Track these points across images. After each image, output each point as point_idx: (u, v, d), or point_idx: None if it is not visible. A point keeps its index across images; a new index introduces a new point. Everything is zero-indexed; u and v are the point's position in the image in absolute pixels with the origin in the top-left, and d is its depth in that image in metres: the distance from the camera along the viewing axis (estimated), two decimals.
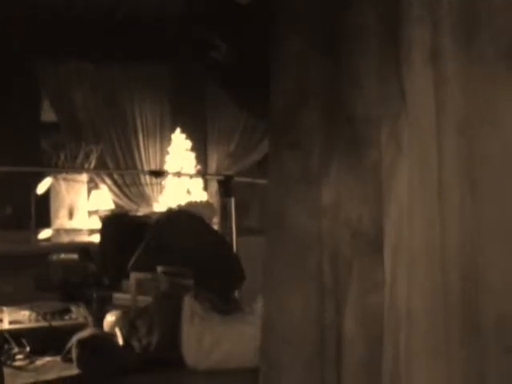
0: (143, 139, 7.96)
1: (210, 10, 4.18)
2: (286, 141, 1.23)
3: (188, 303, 2.44)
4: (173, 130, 7.85)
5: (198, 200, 7.39)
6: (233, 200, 3.85)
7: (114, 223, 3.50)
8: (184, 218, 3.13)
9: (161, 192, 7.81)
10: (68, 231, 7.46)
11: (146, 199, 7.88)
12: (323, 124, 1.21)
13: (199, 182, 7.81)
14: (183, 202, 6.70)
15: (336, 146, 1.20)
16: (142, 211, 7.55)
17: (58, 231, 7.41)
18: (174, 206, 7.28)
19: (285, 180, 1.25)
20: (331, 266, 1.29)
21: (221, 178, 3.80)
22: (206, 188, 7.96)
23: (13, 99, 7.41)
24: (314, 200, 1.21)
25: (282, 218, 1.30)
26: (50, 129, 7.91)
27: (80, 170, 7.51)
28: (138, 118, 7.95)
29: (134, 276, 2.76)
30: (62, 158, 7.48)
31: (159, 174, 4.57)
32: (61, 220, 7.62)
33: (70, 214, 7.70)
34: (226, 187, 3.77)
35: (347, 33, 1.25)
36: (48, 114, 7.98)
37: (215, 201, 7.88)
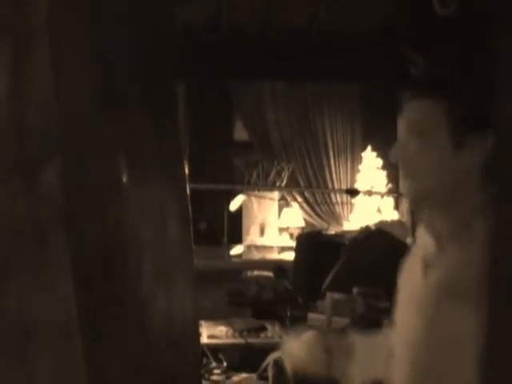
0: (334, 157, 7.93)
1: (409, 24, 4.06)
2: None
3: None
4: (364, 148, 7.77)
5: (389, 219, 7.25)
6: None
7: (308, 242, 3.48)
8: (381, 238, 3.03)
9: (351, 211, 7.74)
10: (259, 248, 7.60)
11: (336, 218, 7.84)
12: None
13: (390, 200, 7.65)
14: (374, 221, 6.58)
15: None
16: (332, 229, 7.52)
17: (249, 248, 7.57)
18: (364, 224, 7.19)
19: None
20: None
21: None
22: (396, 207, 7.78)
23: (207, 118, 7.68)
24: None
25: None
26: (243, 147, 8.10)
27: (273, 188, 7.63)
28: (329, 136, 7.93)
29: (330, 296, 2.70)
30: (255, 175, 7.65)
31: (355, 192, 4.48)
32: (252, 236, 7.79)
33: (262, 231, 7.84)
34: None
35: None
36: (241, 133, 8.19)
37: (406, 220, 7.68)
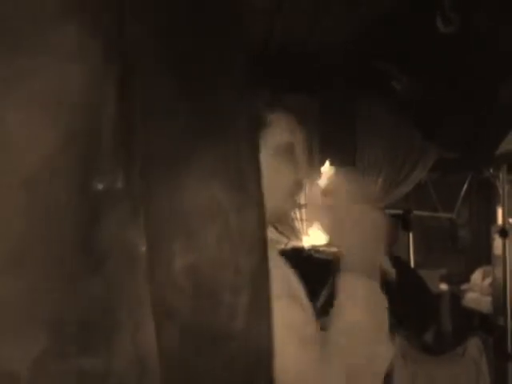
0: None
1: (390, 42, 4.10)
2: None
3: (400, 344, 2.36)
4: (322, 163, 7.82)
5: None
6: (411, 234, 3.76)
7: (296, 258, 3.44)
8: None
9: (311, 225, 7.76)
10: None
11: (295, 232, 7.85)
12: None
13: None
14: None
15: None
16: (291, 244, 7.54)
17: None
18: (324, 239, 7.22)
19: None
20: None
21: (399, 211, 3.71)
22: None
23: None
24: None
25: None
26: None
27: None
28: None
29: None
30: None
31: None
32: None
33: None
34: (404, 221, 3.68)
35: None
36: None
37: None
